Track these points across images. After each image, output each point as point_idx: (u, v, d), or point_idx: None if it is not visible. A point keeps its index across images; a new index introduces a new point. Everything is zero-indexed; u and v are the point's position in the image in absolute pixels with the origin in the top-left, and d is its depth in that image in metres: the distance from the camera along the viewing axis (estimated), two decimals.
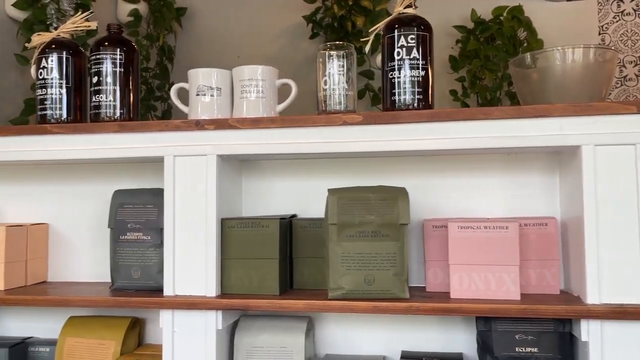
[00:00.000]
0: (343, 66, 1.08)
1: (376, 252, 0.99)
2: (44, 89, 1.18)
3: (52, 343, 1.23)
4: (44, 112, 1.18)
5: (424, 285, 1.14)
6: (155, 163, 1.26)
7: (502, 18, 2.73)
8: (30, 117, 2.49)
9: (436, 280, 1.08)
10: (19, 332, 1.31)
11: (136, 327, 1.22)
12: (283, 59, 3.46)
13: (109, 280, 1.26)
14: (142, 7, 3.28)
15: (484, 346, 1.01)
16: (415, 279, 1.15)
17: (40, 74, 1.18)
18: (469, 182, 1.16)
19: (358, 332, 1.18)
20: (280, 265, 1.07)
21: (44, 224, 1.29)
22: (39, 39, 1.19)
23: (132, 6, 3.22)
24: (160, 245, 1.13)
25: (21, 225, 1.22)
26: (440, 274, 1.07)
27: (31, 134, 1.14)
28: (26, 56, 2.54)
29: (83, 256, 1.30)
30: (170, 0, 3.39)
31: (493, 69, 2.69)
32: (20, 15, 2.55)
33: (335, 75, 1.08)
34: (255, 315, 1.16)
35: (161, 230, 1.12)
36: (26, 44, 1.21)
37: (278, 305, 1.02)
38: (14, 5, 2.50)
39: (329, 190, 1.04)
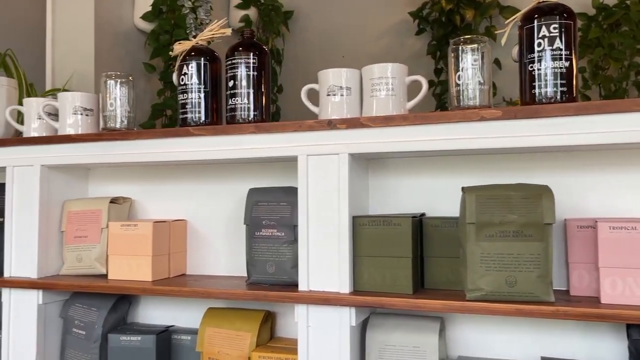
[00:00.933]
0: (477, 60, 1.04)
1: (518, 252, 0.94)
2: (185, 94, 1.25)
3: (192, 332, 1.30)
4: (185, 116, 1.25)
5: (565, 289, 1.07)
6: (284, 162, 1.29)
7: (628, 2, 2.51)
8: (157, 121, 2.67)
9: (581, 284, 1.00)
10: (161, 320, 1.40)
11: (269, 321, 1.26)
12: (388, 56, 3.44)
13: (243, 274, 1.31)
14: (252, 13, 3.40)
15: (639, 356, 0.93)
16: (555, 281, 1.09)
17: (182, 80, 1.25)
18: (614, 178, 1.07)
19: (493, 335, 1.13)
20: (412, 264, 1.05)
21: (183, 220, 1.37)
22: (181, 47, 1.26)
23: (243, 12, 3.34)
24: (293, 241, 1.15)
25: (164, 222, 1.30)
26: (587, 278, 1.00)
27: (175, 136, 1.20)
28: (153, 64, 2.72)
29: (218, 251, 1.36)
30: (279, 5, 3.48)
31: (618, 57, 2.49)
32: (147, 26, 2.73)
33: (469, 70, 1.04)
34: (385, 314, 1.15)
35: (294, 227, 1.15)
36: (170, 53, 1.29)
37: (413, 305, 1.00)
38: (142, 17, 2.69)
39: (465, 189, 1.00)
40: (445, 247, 1.09)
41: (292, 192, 1.18)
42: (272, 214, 1.17)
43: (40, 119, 1.40)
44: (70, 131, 1.35)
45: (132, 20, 2.78)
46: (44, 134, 1.40)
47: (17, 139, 1.35)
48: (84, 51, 2.50)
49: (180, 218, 1.38)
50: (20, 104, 1.45)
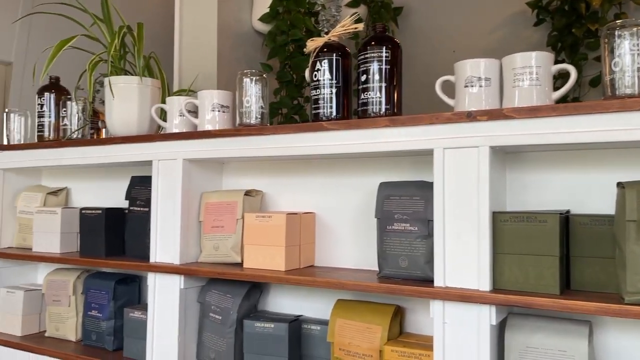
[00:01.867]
0: (636, 45, 0.95)
1: None
2: (317, 90, 1.27)
3: (321, 322, 1.32)
4: (317, 111, 1.26)
5: None
6: (413, 157, 1.27)
7: None
8: (273, 119, 2.75)
9: None
10: (289, 309, 1.44)
11: (398, 315, 1.25)
12: (503, 50, 3.28)
13: (370, 267, 1.31)
14: (361, 10, 3.40)
15: None
16: None
17: (315, 76, 1.27)
18: None
19: None
20: (560, 263, 0.99)
21: (311, 212, 1.39)
22: (313, 44, 1.28)
23: (353, 10, 3.35)
24: (427, 236, 1.13)
25: (296, 214, 1.33)
26: None
27: (308, 131, 1.23)
28: (269, 64, 2.81)
29: (346, 243, 1.37)
30: (388, 1, 3.45)
31: None
32: (264, 28, 2.82)
33: (626, 56, 0.96)
34: (524, 314, 1.09)
35: (429, 221, 1.12)
36: (304, 50, 1.31)
37: (563, 306, 0.94)
38: (260, 19, 2.78)
39: (625, 184, 0.92)
40: (595, 246, 1.01)
41: (425, 186, 1.15)
42: (404, 208, 1.16)
43: (181, 115, 1.49)
44: (209, 127, 1.42)
45: (251, 23, 2.88)
46: (184, 130, 1.48)
47: (163, 135, 1.44)
48: (207, 53, 2.64)
49: (309, 211, 1.40)
50: (164, 102, 1.55)
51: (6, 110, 1.91)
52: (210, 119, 1.42)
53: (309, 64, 1.28)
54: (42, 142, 1.72)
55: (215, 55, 2.62)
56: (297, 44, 2.70)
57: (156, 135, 1.46)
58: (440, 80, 1.17)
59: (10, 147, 1.78)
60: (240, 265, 1.38)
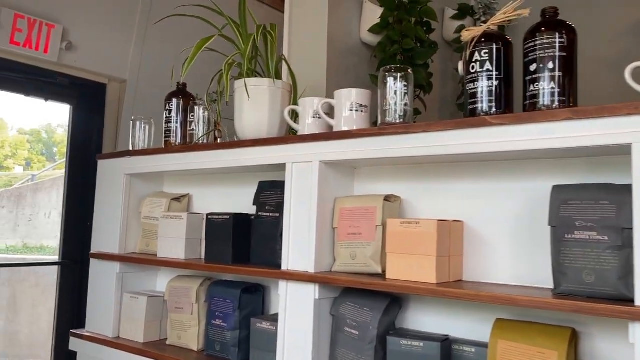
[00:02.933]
0: None
1: None
2: (474, 83, 1.14)
3: (474, 344, 1.16)
4: (475, 106, 1.13)
5: None
6: (589, 158, 1.10)
7: None
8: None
9: None
10: (431, 328, 1.29)
11: (573, 340, 1.07)
12: (627, 59, 3.01)
13: (534, 283, 1.14)
14: (468, 23, 3.24)
15: None
16: None
17: (472, 67, 1.14)
18: None
19: None
20: None
21: (459, 221, 1.25)
22: (469, 34, 1.16)
23: (457, 23, 3.20)
24: (621, 247, 0.95)
25: (446, 221, 1.20)
26: None
27: (468, 127, 1.09)
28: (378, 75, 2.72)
29: (501, 256, 1.21)
30: (493, 10, 3.28)
31: None
32: (373, 39, 2.74)
33: None
34: None
35: (622, 230, 0.95)
36: (461, 39, 1.19)
37: None
38: (369, 30, 2.70)
39: None
40: None
41: (614, 189, 0.98)
42: (589, 214, 0.99)
43: (315, 117, 1.41)
44: (346, 127, 1.32)
45: (359, 35, 2.82)
46: (317, 132, 1.40)
47: (299, 137, 1.36)
48: (316, 65, 2.59)
49: (455, 219, 1.26)
50: (295, 104, 1.49)
51: (132, 118, 1.93)
52: (347, 119, 1.33)
53: (464, 56, 1.16)
54: (169, 147, 1.71)
55: (325, 67, 2.57)
56: (408, 54, 2.60)
57: (292, 136, 1.38)
58: (630, 67, 1.00)
59: (138, 152, 1.79)
60: (380, 275, 1.26)
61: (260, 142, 1.43)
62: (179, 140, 1.74)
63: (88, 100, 3.21)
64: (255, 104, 1.48)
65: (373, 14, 2.76)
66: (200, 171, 1.69)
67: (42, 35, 2.98)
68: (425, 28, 2.68)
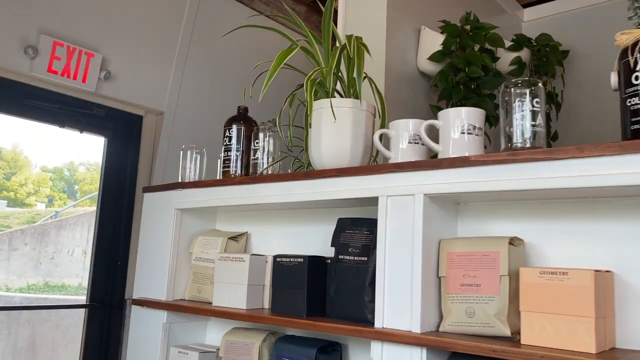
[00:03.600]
0: None
1: None
2: (637, 97, 0.90)
3: None
4: (638, 126, 0.89)
5: None
6: None
7: None
8: None
9: None
10: None
11: None
12: None
13: None
14: (524, 54, 3.04)
15: None
16: None
17: (636, 78, 0.91)
18: None
19: None
20: None
21: (609, 271, 0.99)
22: (629, 37, 0.93)
23: (514, 54, 3.00)
24: None
25: (607, 272, 0.94)
26: None
27: (636, 151, 0.85)
28: (439, 106, 2.51)
29: None
30: (555, 44, 3.08)
31: None
32: (431, 68, 2.54)
33: None
34: None
35: None
36: (615, 43, 0.96)
37: None
38: (429, 58, 2.51)
39: None
40: None
41: None
42: None
43: (413, 142, 1.18)
44: (456, 153, 1.09)
45: (415, 64, 2.63)
46: (414, 159, 1.17)
47: (395, 165, 1.13)
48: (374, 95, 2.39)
49: (601, 269, 1.01)
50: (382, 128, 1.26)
51: (182, 147, 1.73)
52: (457, 144, 1.10)
53: (618, 65, 0.93)
54: (230, 178, 1.49)
55: (383, 96, 2.37)
56: (474, 83, 2.39)
57: (387, 165, 1.15)
58: None
59: (191, 184, 1.57)
60: (509, 339, 0.99)
61: (348, 171, 1.20)
62: (239, 171, 1.52)
63: (123, 133, 3.03)
64: (336, 128, 1.26)
65: (433, 41, 2.57)
66: (264, 206, 1.46)
67: (80, 64, 2.83)
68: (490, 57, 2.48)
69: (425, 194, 1.08)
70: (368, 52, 1.28)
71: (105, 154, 2.98)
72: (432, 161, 1.08)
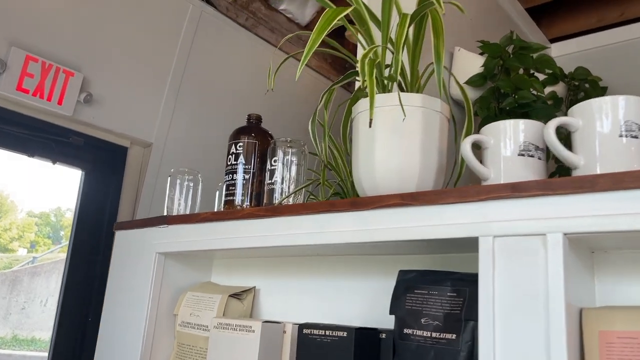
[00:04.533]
0: None
1: None
2: None
3: None
4: None
5: None
6: None
7: None
8: None
9: None
10: None
11: None
12: None
13: None
14: (559, 89, 2.70)
15: None
16: None
17: None
18: None
19: None
20: None
21: None
22: None
23: (549, 89, 2.66)
24: None
25: None
26: None
27: None
28: None
29: None
30: (595, 78, 2.75)
31: None
32: (470, 94, 2.17)
33: None
34: None
35: None
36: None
37: None
38: (467, 82, 2.14)
39: None
40: None
41: None
42: None
43: (525, 154, 0.77)
44: (611, 167, 0.68)
45: (448, 92, 2.27)
46: (529, 178, 0.75)
47: (507, 187, 0.71)
48: None
49: None
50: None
51: (171, 170, 1.31)
52: (613, 152, 0.68)
53: None
54: (234, 211, 1.05)
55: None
56: (523, 110, 2.01)
57: (492, 186, 0.72)
58: None
59: (180, 219, 1.13)
60: None
61: (422, 197, 0.77)
62: (247, 201, 1.09)
63: (104, 166, 2.59)
64: (399, 135, 0.85)
65: (470, 62, 2.21)
66: (284, 251, 1.02)
67: (57, 83, 2.40)
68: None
69: (565, 234, 0.65)
70: (441, 26, 0.87)
71: (81, 189, 2.52)
72: (577, 179, 0.66)
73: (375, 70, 0.78)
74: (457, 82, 0.97)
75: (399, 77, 0.86)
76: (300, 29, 3.17)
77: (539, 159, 0.75)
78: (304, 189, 1.02)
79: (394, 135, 0.85)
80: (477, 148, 0.83)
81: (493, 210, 0.71)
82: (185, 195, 1.30)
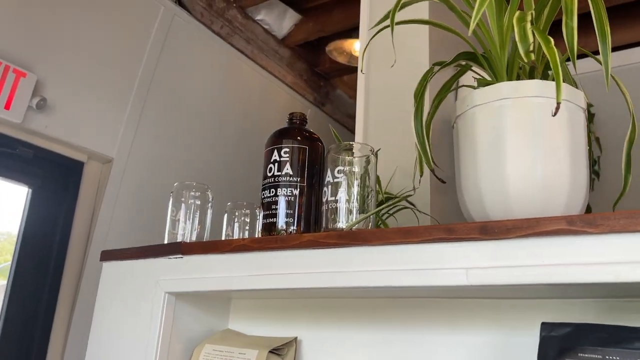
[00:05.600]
0: None
1: None
2: None
3: None
4: None
5: None
6: None
7: None
8: None
9: None
10: None
11: None
12: None
13: None
14: None
15: None
16: None
17: None
18: None
19: None
20: None
21: None
22: None
23: None
24: None
25: None
26: None
27: None
28: None
29: None
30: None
31: None
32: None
33: None
34: None
35: None
36: None
37: None
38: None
39: None
40: None
41: None
42: None
43: None
44: None
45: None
46: None
47: None
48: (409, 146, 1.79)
49: None
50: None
51: (175, 185, 1.02)
52: None
53: None
54: (288, 237, 0.77)
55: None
56: None
57: None
58: None
59: (201, 247, 0.84)
60: None
61: (609, 222, 0.54)
62: (294, 226, 0.82)
63: (56, 182, 2.21)
64: (541, 139, 0.62)
65: None
66: (359, 292, 0.76)
67: (5, 83, 2.03)
68: None
69: None
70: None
71: (27, 209, 2.13)
72: None
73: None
74: (614, 79, 0.74)
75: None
76: (276, 42, 2.94)
77: None
78: (383, 210, 0.76)
79: (535, 140, 0.62)
80: None
81: None
82: (192, 216, 1.01)
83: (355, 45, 2.67)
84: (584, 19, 0.57)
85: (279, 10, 2.89)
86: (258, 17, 2.88)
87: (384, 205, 0.85)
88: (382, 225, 0.95)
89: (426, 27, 1.11)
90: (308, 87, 3.30)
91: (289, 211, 0.82)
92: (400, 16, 0.71)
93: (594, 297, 0.66)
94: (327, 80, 3.25)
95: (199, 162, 2.35)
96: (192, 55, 2.51)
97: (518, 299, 0.69)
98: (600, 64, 0.58)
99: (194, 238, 1.00)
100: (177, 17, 2.44)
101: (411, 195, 0.79)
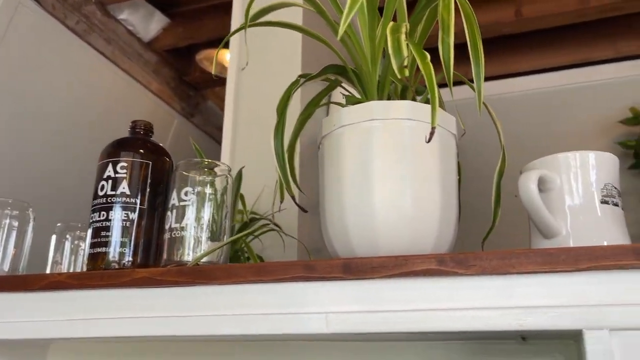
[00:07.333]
0: None
1: None
2: None
3: None
4: None
5: None
6: None
7: None
8: None
9: None
10: None
11: None
12: None
13: None
14: None
15: None
16: None
17: None
18: None
19: None
20: None
21: None
22: None
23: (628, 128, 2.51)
24: None
25: None
26: None
27: None
28: None
29: None
30: None
31: None
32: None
33: None
34: None
35: None
36: None
37: None
38: (623, 121, 1.82)
39: None
40: None
41: None
42: None
43: (609, 201, 0.54)
44: None
45: None
46: (618, 233, 0.52)
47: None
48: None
49: None
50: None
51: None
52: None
53: None
54: (120, 272, 0.62)
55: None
56: None
57: (613, 247, 0.47)
58: None
59: (6, 284, 0.66)
60: None
61: (483, 262, 0.49)
62: (129, 257, 0.67)
63: None
64: (412, 166, 0.56)
65: None
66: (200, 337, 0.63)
67: None
68: None
69: None
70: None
71: None
72: None
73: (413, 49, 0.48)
74: (486, 107, 0.70)
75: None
76: (142, 45, 2.71)
77: (622, 208, 0.53)
78: (239, 239, 0.65)
79: (406, 166, 0.56)
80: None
81: (611, 289, 0.45)
82: (5, 241, 0.82)
83: (227, 56, 2.54)
84: (465, 47, 0.52)
85: (145, 12, 2.66)
86: (121, 17, 2.63)
87: (242, 233, 0.74)
88: (245, 248, 0.85)
89: (299, 35, 1.03)
90: (175, 96, 3.08)
91: (124, 239, 0.67)
92: (271, 19, 0.62)
93: (458, 340, 0.61)
94: (198, 90, 3.06)
95: (35, 171, 2.04)
96: (43, 52, 2.20)
97: (380, 341, 0.62)
98: (474, 90, 0.53)
99: (5, 268, 0.80)
100: (22, 7, 2.13)
101: (271, 219, 0.70)
